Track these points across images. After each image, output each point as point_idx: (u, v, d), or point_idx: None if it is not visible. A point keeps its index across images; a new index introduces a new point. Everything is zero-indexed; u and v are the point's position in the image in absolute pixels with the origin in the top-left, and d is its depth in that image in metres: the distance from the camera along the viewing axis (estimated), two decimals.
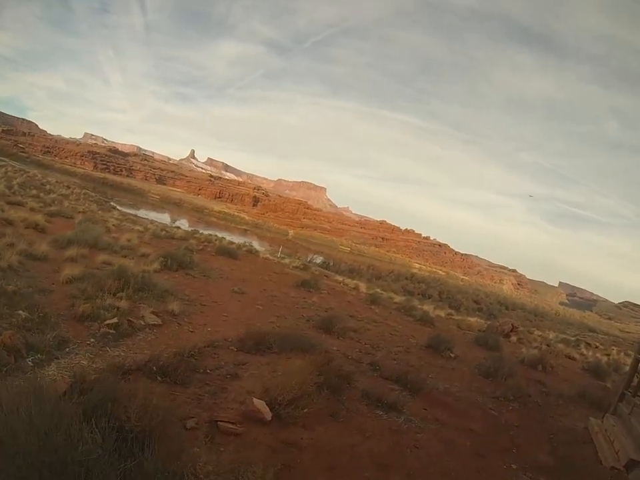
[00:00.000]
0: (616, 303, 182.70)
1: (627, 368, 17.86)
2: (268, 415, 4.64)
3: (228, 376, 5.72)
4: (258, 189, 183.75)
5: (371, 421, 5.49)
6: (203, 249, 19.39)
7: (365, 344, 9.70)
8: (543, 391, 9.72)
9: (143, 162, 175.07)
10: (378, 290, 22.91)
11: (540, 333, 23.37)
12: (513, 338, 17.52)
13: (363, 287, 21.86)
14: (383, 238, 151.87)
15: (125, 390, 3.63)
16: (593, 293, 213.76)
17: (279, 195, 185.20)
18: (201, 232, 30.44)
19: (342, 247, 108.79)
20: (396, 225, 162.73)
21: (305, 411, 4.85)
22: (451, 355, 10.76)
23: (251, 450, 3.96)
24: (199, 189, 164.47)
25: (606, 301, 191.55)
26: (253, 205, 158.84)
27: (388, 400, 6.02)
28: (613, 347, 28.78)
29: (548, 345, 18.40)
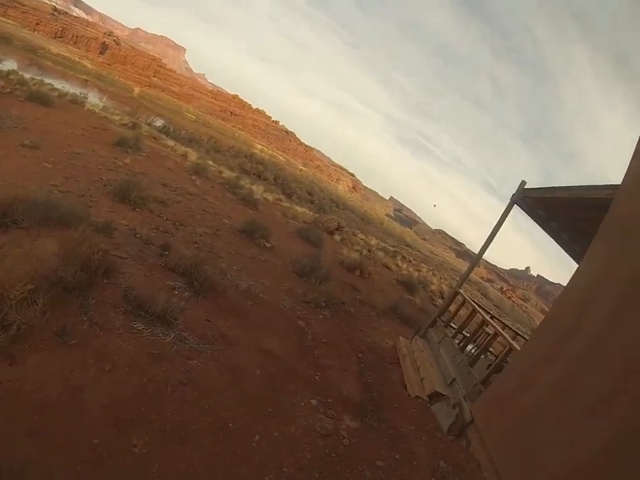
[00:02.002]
0: (432, 228, 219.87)
1: (433, 286, 20.56)
2: None
3: None
4: (109, 35, 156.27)
5: (122, 342, 3.83)
6: (10, 92, 15.62)
7: (167, 219, 8.16)
8: (358, 299, 9.82)
9: None
10: (209, 162, 20.83)
11: (363, 237, 24.72)
12: (337, 237, 18.06)
13: (193, 156, 19.62)
14: (232, 113, 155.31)
15: None
16: (416, 214, 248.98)
17: (132, 47, 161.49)
18: (21, 74, 23.65)
19: (188, 114, 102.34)
20: (248, 102, 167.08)
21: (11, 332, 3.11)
22: (267, 244, 9.79)
23: None
24: (37, 24, 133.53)
25: (425, 224, 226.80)
26: (100, 53, 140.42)
27: (156, 305, 4.35)
28: (423, 265, 33.02)
29: (369, 251, 19.34)
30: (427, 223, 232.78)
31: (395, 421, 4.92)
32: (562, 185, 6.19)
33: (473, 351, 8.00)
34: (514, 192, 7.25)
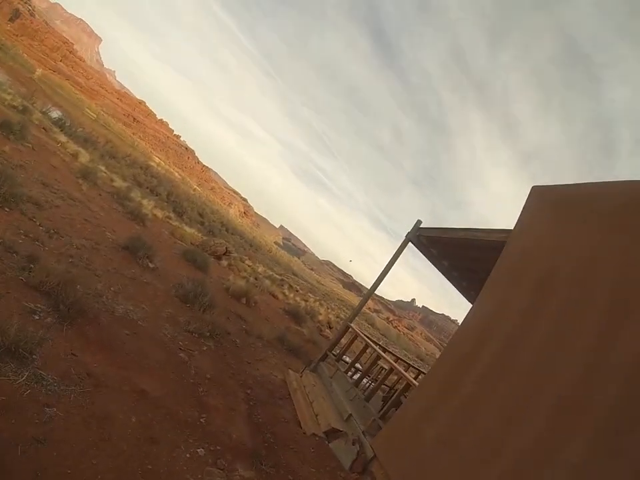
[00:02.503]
0: (320, 259, 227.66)
1: (321, 316, 20.67)
2: None
3: None
4: (26, 2, 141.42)
5: None
6: None
7: (40, 225, 6.96)
8: (244, 329, 9.41)
9: None
10: (101, 167, 19.08)
11: (251, 264, 24.33)
12: (224, 262, 17.51)
13: (85, 157, 17.76)
14: (135, 119, 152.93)
15: None
16: (305, 244, 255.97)
17: (46, 22, 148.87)
18: None
19: (88, 111, 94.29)
20: (154, 111, 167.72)
21: None
22: (150, 264, 8.98)
23: None
24: None
25: (313, 254, 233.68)
26: (10, 20, 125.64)
27: (7, 334, 3.40)
28: (310, 294, 33.32)
29: (256, 279, 19.07)
30: (316, 254, 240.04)
31: (293, 464, 4.52)
32: (449, 227, 6.52)
33: (367, 384, 7.97)
34: (409, 230, 7.48)
